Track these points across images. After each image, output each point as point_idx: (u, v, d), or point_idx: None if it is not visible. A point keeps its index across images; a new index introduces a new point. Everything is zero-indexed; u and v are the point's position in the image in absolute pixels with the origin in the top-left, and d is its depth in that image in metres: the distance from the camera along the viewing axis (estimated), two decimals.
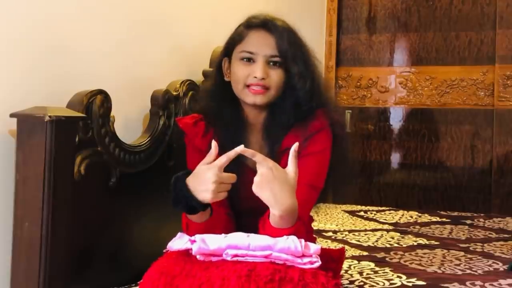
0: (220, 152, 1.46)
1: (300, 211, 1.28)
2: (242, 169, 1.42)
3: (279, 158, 1.41)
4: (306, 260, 1.21)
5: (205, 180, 1.23)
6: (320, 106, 1.45)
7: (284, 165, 1.25)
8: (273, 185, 1.18)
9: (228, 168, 1.31)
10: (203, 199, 1.25)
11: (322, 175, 1.41)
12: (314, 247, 1.23)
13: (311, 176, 1.38)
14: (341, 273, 1.64)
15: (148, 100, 1.88)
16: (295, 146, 1.22)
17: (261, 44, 1.41)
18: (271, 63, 1.41)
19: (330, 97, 1.60)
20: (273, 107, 1.45)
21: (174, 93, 1.93)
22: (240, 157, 1.40)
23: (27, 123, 1.37)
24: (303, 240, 1.23)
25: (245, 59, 1.42)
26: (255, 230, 1.30)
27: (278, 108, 1.44)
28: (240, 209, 1.47)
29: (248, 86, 1.41)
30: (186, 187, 1.27)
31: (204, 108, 1.53)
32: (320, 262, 1.21)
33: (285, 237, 1.22)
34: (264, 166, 1.19)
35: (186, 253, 1.28)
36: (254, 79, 1.39)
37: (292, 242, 1.21)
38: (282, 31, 1.42)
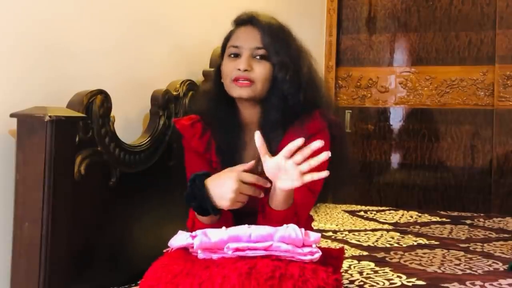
0: (217, 152, 1.46)
1: (299, 213, 1.33)
2: None
3: None
4: (306, 250, 1.22)
5: (226, 187, 1.27)
6: (315, 104, 1.45)
7: None
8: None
9: (226, 167, 1.34)
10: (220, 205, 1.28)
11: (320, 179, 1.41)
12: (314, 235, 1.24)
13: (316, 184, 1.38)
14: (341, 271, 1.64)
15: (148, 100, 1.88)
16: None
17: (246, 38, 1.43)
18: (257, 57, 1.42)
19: (326, 95, 1.59)
20: (263, 104, 1.45)
21: (174, 93, 1.93)
22: (238, 156, 1.42)
23: (27, 123, 1.37)
24: (303, 229, 1.24)
25: (232, 55, 1.44)
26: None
27: (268, 104, 1.44)
28: (240, 210, 1.48)
29: (234, 80, 1.41)
30: (205, 188, 1.29)
31: (201, 109, 1.54)
32: (320, 253, 1.22)
33: (285, 226, 1.23)
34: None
35: (187, 252, 1.29)
36: (238, 71, 1.40)
37: (292, 230, 1.22)
38: (267, 25, 1.44)
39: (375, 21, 3.62)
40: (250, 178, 1.28)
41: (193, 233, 1.26)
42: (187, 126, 1.50)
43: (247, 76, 1.40)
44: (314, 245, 1.24)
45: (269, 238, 1.22)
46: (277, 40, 1.42)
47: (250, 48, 1.42)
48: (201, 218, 1.35)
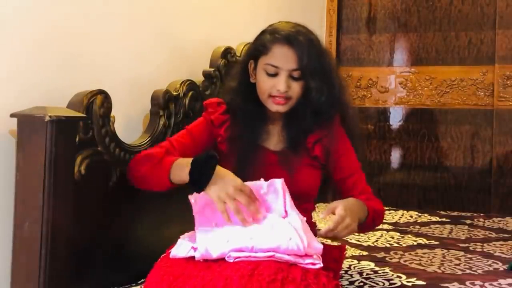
0: (234, 139, 1.56)
1: (366, 186, 1.71)
2: (261, 151, 1.55)
3: (301, 154, 1.56)
4: (308, 261, 1.22)
5: (231, 180, 1.33)
6: (337, 111, 1.60)
7: (306, 160, 1.55)
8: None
9: (245, 150, 1.49)
10: (209, 189, 1.33)
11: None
12: (316, 247, 1.24)
13: (357, 162, 1.70)
14: (341, 273, 1.65)
15: (148, 100, 1.88)
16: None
17: (284, 59, 1.50)
18: (293, 76, 1.50)
19: (351, 107, 1.75)
20: (292, 111, 1.55)
21: (174, 93, 1.93)
22: (259, 139, 1.56)
23: (27, 123, 1.37)
24: (305, 239, 1.24)
25: (269, 73, 1.51)
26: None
27: (297, 114, 1.55)
28: None
29: (272, 96, 1.51)
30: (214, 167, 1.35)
31: (228, 103, 1.63)
32: (321, 264, 1.23)
33: (288, 237, 1.24)
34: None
35: None
36: (278, 91, 1.49)
37: (295, 244, 1.22)
38: (303, 46, 1.51)
39: (375, 21, 3.62)
40: (244, 197, 1.32)
41: (195, 245, 1.28)
42: (214, 102, 1.63)
43: (285, 96, 1.50)
44: (315, 256, 1.25)
45: (271, 251, 1.22)
46: (312, 62, 1.51)
47: (288, 70, 1.50)
48: (175, 179, 1.41)
